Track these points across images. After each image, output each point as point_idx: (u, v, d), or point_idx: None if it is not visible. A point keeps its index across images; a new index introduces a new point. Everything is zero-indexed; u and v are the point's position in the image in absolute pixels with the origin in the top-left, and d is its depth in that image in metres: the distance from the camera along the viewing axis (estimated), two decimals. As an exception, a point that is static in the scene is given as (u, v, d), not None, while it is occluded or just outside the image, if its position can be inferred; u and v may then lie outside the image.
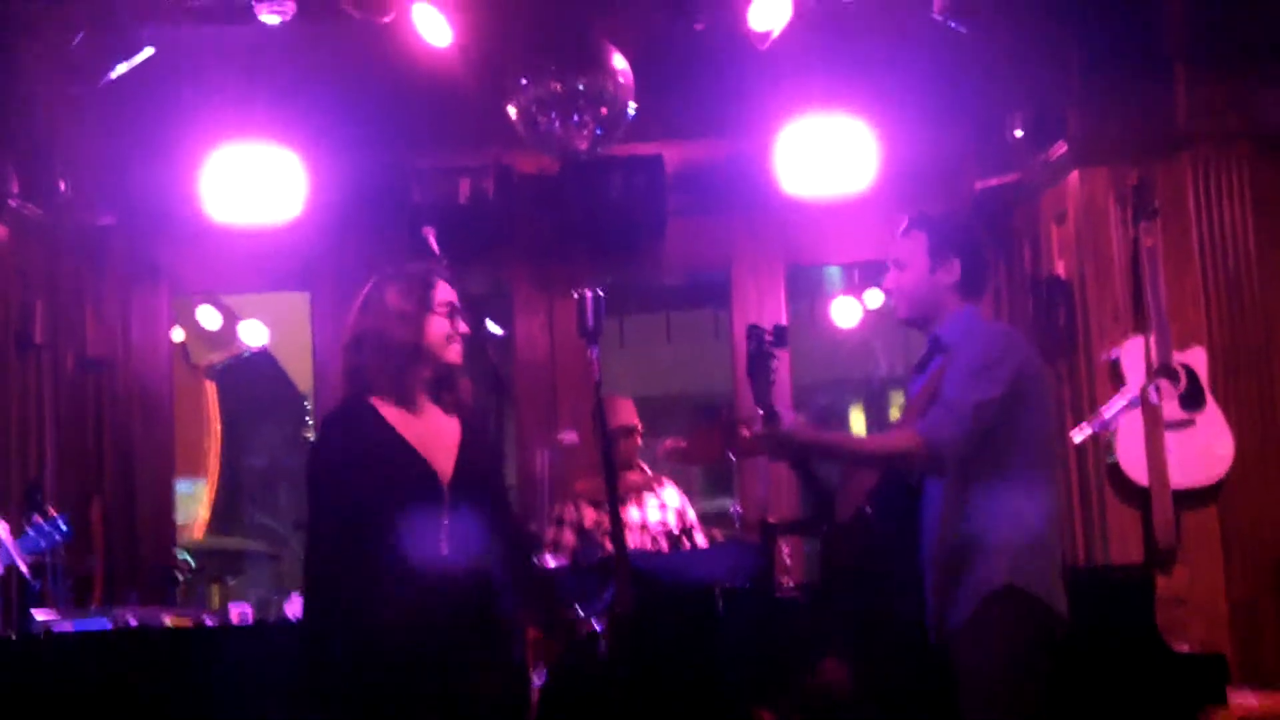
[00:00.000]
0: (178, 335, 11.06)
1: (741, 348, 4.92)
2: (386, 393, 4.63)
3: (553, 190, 8.93)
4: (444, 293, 4.73)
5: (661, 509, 7.89)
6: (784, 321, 9.12)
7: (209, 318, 10.59)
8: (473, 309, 5.32)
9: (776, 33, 7.90)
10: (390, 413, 4.61)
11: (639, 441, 8.01)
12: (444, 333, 4.69)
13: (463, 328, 4.73)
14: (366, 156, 8.91)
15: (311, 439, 4.86)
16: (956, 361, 4.72)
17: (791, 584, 6.82)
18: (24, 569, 6.44)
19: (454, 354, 4.71)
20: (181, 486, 11.36)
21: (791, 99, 8.53)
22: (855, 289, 11.82)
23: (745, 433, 7.19)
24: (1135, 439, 7.58)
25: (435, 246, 6.44)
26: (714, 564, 6.28)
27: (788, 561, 7.14)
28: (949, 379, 4.68)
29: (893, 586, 4.84)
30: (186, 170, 8.51)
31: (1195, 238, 8.01)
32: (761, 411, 4.72)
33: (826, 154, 8.58)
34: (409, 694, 4.41)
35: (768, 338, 4.78)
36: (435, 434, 4.66)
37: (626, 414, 7.90)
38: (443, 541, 4.53)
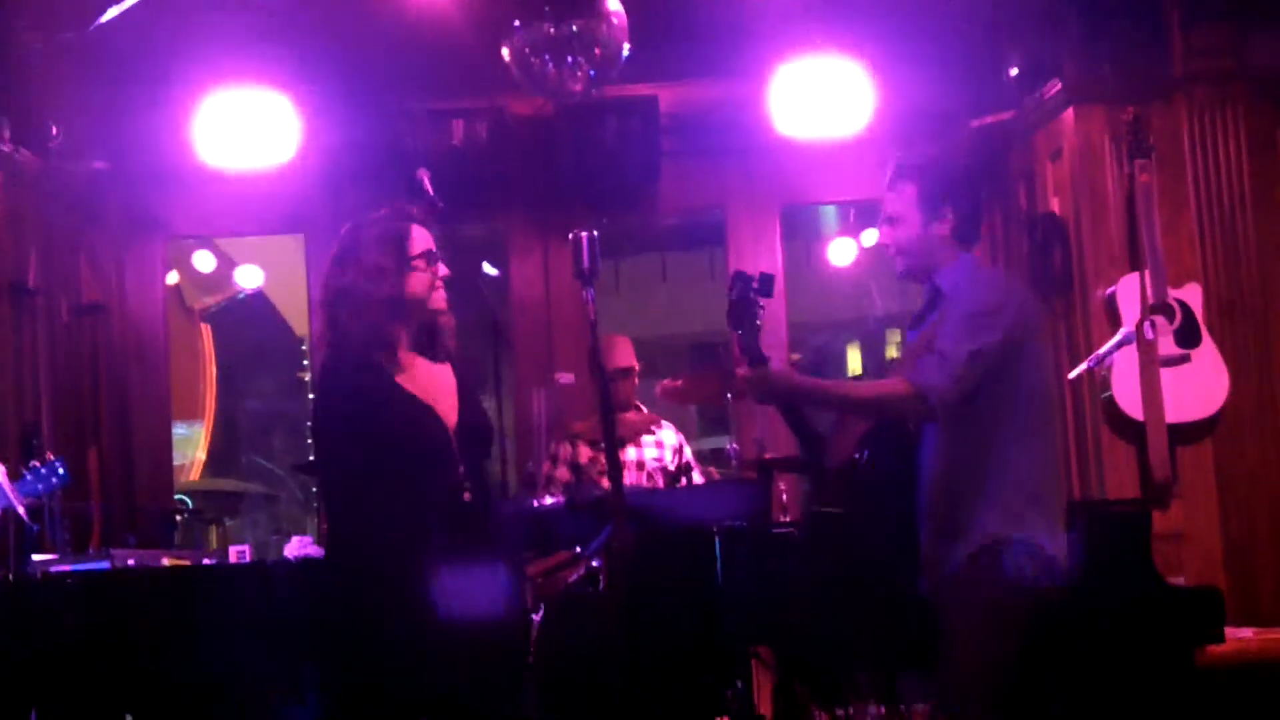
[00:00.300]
0: (172, 278, 11.06)
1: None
2: (376, 348, 4.61)
3: (547, 133, 8.91)
4: (420, 242, 4.68)
5: (658, 448, 7.91)
6: (779, 262, 9.16)
7: (204, 261, 10.58)
8: (467, 251, 5.32)
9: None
10: (389, 366, 4.61)
11: (636, 382, 8.02)
12: (425, 283, 4.66)
13: (443, 271, 4.70)
14: (360, 99, 8.89)
15: (319, 401, 4.81)
16: (953, 310, 4.67)
17: (788, 521, 6.84)
18: (22, 512, 6.45)
19: (438, 300, 4.69)
20: (178, 429, 11.36)
21: (786, 40, 8.52)
22: (851, 229, 11.82)
23: (741, 372, 7.20)
24: (1131, 375, 7.60)
25: (429, 189, 6.44)
26: (711, 502, 6.30)
27: (784, 499, 7.16)
28: (945, 327, 4.63)
29: (880, 534, 4.83)
30: (180, 115, 8.50)
31: (1190, 179, 8.01)
32: (747, 357, 4.71)
33: (821, 95, 8.58)
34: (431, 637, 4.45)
35: (754, 285, 4.75)
36: (432, 383, 4.66)
37: (624, 354, 7.91)
38: (465, 490, 4.56)
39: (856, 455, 4.82)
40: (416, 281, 4.64)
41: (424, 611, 4.41)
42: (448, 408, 4.64)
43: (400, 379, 4.60)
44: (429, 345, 4.71)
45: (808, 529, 5.37)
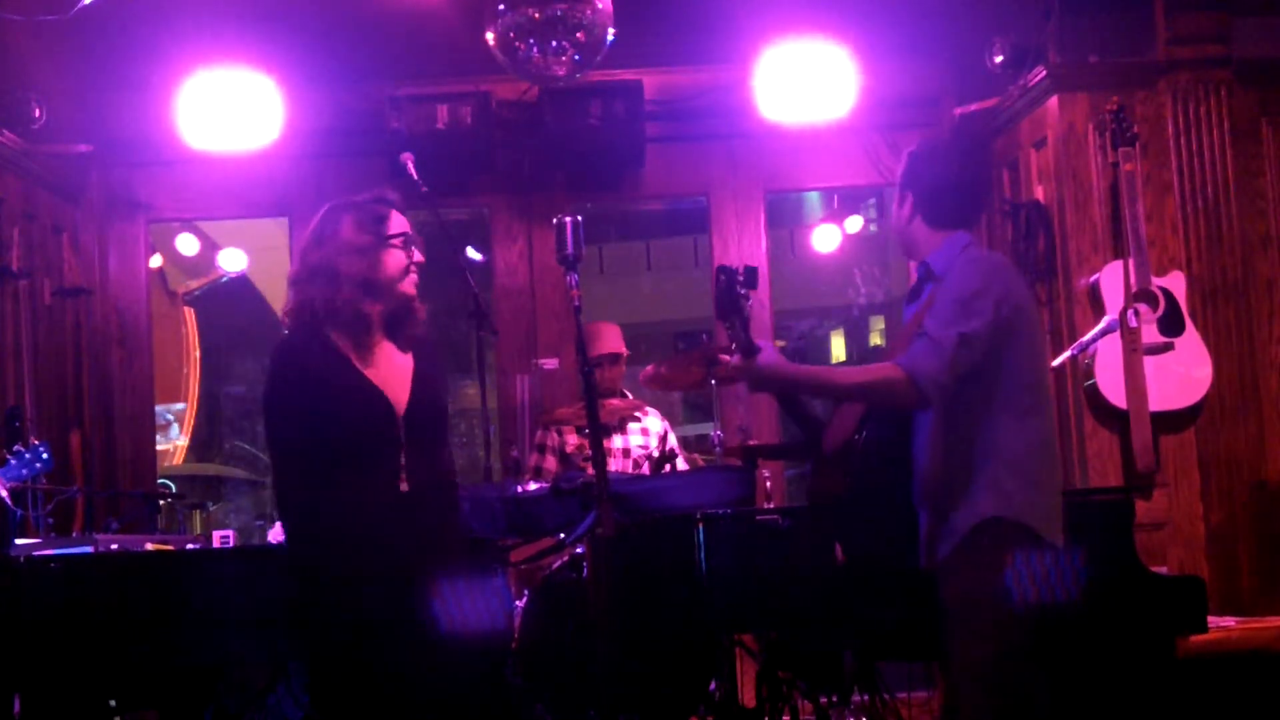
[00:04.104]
0: (155, 261, 11.03)
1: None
2: (340, 327, 4.63)
3: (531, 117, 8.90)
4: (397, 223, 4.72)
5: (643, 434, 7.91)
6: (763, 248, 9.16)
7: (187, 244, 10.55)
8: (452, 236, 5.30)
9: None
10: (345, 346, 4.63)
11: (623, 368, 8.01)
12: (400, 265, 4.68)
13: (417, 257, 4.72)
14: (344, 83, 8.89)
15: (270, 376, 4.82)
16: (943, 293, 4.71)
17: (772, 508, 6.83)
18: (5, 496, 6.44)
19: (409, 285, 4.71)
20: (161, 413, 11.33)
21: (771, 25, 8.52)
22: (835, 215, 11.84)
23: (725, 358, 7.20)
24: (1114, 362, 7.63)
25: (414, 173, 6.43)
26: (695, 489, 6.29)
27: (768, 486, 7.16)
28: (934, 311, 4.66)
29: (881, 513, 4.84)
30: (163, 97, 8.48)
31: (1174, 166, 8.03)
32: (738, 347, 4.72)
33: (806, 80, 8.58)
34: (380, 615, 4.47)
35: (739, 278, 4.77)
36: (389, 367, 4.66)
37: (611, 340, 7.90)
38: (403, 479, 4.58)
39: (856, 436, 4.83)
40: (391, 261, 4.67)
41: (350, 597, 4.46)
42: (400, 391, 4.65)
43: (356, 361, 4.62)
44: (396, 330, 4.72)
45: (807, 515, 5.39)
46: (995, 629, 4.57)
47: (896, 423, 4.79)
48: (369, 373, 4.63)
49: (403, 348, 4.74)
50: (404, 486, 4.60)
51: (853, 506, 4.85)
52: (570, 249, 4.93)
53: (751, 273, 4.79)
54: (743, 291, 4.75)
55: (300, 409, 4.56)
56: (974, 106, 8.80)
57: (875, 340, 19.95)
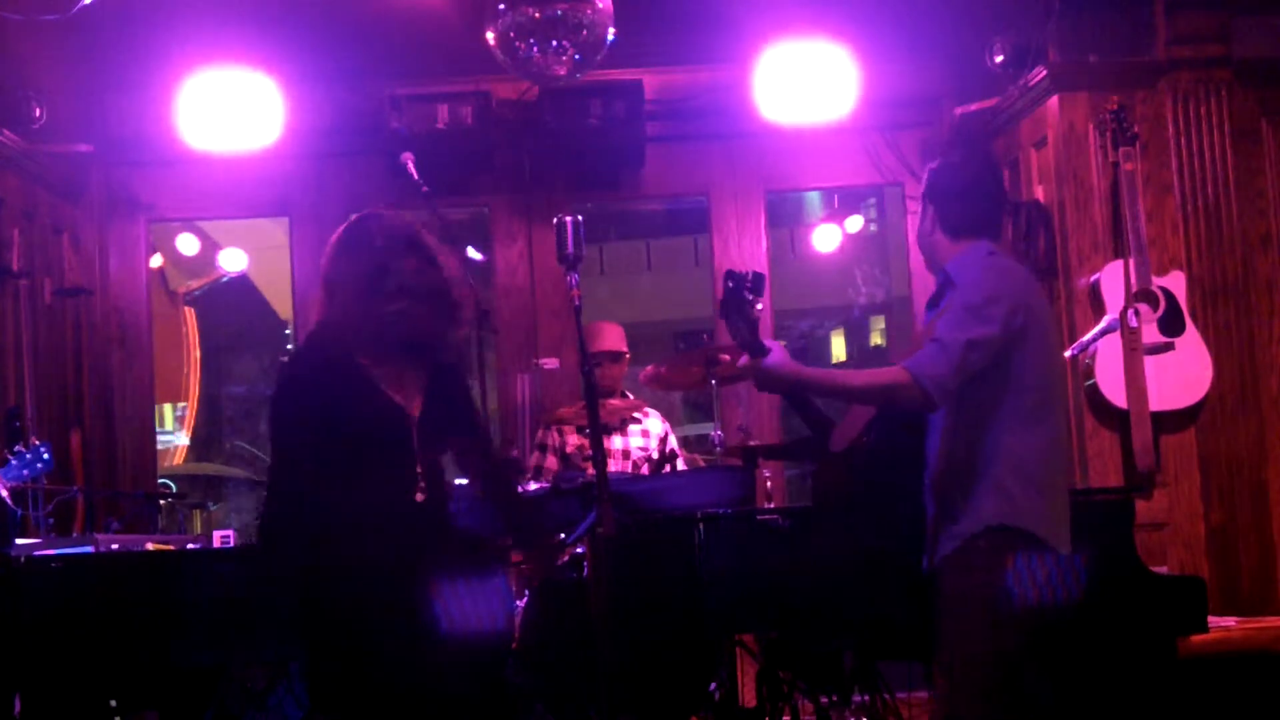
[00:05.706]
0: (156, 261, 11.03)
1: (721, 274, 4.92)
2: (351, 342, 4.60)
3: (532, 117, 8.90)
4: (404, 272, 4.59)
5: (644, 436, 7.89)
6: (763, 248, 9.16)
7: (188, 244, 10.55)
8: (451, 235, 5.29)
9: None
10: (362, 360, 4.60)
11: (624, 368, 8.00)
12: (388, 324, 4.57)
13: (417, 299, 4.61)
14: (345, 83, 8.89)
15: (281, 382, 4.77)
16: (955, 299, 4.72)
17: (772, 508, 6.83)
18: (5, 495, 6.44)
19: (397, 339, 4.62)
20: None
21: (771, 25, 8.53)
22: (835, 215, 11.86)
23: (725, 358, 7.20)
24: (1114, 362, 7.64)
25: (414, 172, 6.43)
26: (695, 489, 6.29)
27: (768, 486, 7.16)
28: (944, 317, 4.68)
29: (884, 517, 4.85)
30: (163, 97, 8.49)
31: (1174, 165, 8.04)
32: (746, 349, 4.73)
33: (806, 80, 8.59)
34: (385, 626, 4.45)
35: (746, 284, 4.77)
36: (402, 378, 4.63)
37: (611, 339, 7.88)
38: (418, 489, 4.56)
39: (864, 437, 4.84)
40: (383, 326, 4.58)
41: (359, 609, 4.44)
42: (413, 399, 4.63)
43: (373, 372, 4.59)
44: (414, 349, 4.69)
45: (812, 513, 5.41)
46: (987, 632, 4.57)
47: (905, 425, 4.80)
48: (383, 380, 4.59)
49: (417, 364, 4.70)
50: (419, 497, 4.59)
51: (857, 506, 4.85)
52: (570, 248, 4.92)
53: (759, 279, 4.79)
54: (750, 297, 4.76)
55: (311, 417, 4.50)
56: (974, 106, 8.81)
57: (876, 340, 19.96)
